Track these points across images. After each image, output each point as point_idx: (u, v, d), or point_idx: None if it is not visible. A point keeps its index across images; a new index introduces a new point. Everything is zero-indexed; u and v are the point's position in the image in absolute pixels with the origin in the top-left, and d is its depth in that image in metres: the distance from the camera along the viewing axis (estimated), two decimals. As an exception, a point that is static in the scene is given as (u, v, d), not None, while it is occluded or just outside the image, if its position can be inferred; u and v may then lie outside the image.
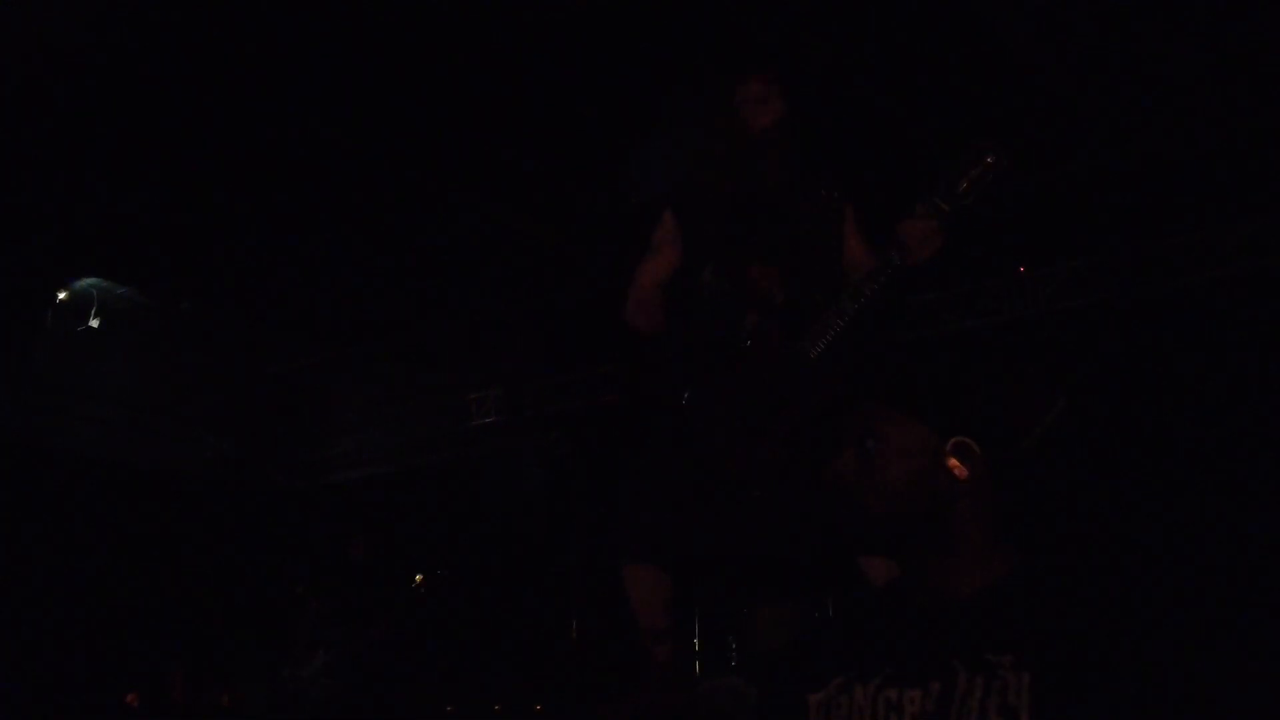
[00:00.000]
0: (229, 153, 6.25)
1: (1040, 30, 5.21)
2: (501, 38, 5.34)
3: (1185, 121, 5.87)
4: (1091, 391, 6.65)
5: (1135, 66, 5.52)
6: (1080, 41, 5.25)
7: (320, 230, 7.25)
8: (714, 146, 3.04)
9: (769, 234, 2.94)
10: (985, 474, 1.52)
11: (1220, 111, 5.87)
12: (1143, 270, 6.68)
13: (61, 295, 7.82)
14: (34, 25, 5.12)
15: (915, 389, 1.57)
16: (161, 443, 9.05)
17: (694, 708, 3.12)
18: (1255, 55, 5.38)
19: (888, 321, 2.95)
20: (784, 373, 2.80)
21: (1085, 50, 5.32)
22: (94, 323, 7.85)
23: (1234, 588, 5.68)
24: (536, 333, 8.66)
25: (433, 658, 8.14)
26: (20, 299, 7.69)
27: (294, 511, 9.50)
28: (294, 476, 9.79)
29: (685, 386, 2.94)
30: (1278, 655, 1.33)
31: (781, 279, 2.88)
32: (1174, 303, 6.56)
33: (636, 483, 3.02)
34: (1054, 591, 1.45)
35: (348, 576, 6.07)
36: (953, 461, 1.50)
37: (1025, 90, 5.59)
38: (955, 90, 5.49)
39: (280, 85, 5.58)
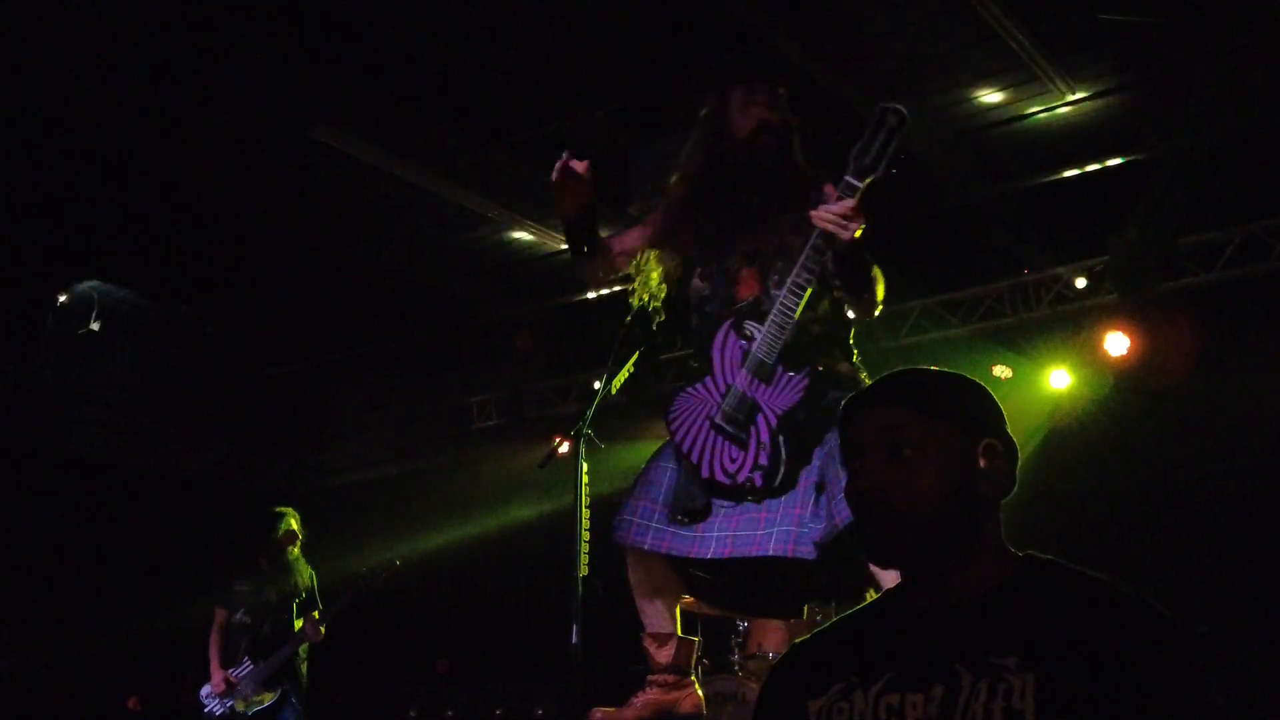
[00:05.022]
0: (230, 156, 6.25)
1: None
2: (505, 40, 5.33)
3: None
4: (1094, 391, 6.65)
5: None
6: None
7: (322, 233, 7.25)
8: (703, 151, 3.15)
9: (753, 236, 3.02)
10: (1008, 475, 1.52)
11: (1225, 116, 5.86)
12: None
13: (62, 298, 7.81)
14: (35, 31, 5.11)
15: (941, 392, 1.55)
16: (163, 446, 9.04)
17: (694, 712, 3.09)
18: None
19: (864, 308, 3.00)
20: (752, 376, 2.90)
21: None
22: (95, 326, 7.83)
23: (1239, 589, 5.65)
24: (539, 336, 8.66)
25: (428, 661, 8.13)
26: (21, 302, 7.68)
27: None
28: (296, 479, 9.78)
29: (674, 396, 3.08)
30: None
31: (762, 280, 2.99)
32: (1169, 303, 6.55)
33: (643, 473, 3.11)
34: (1058, 592, 1.42)
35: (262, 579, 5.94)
36: (983, 463, 1.50)
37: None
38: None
39: (279, 89, 5.57)
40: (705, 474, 2.93)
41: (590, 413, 3.29)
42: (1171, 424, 6.27)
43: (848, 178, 2.69)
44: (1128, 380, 6.50)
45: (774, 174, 3.06)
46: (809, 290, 2.81)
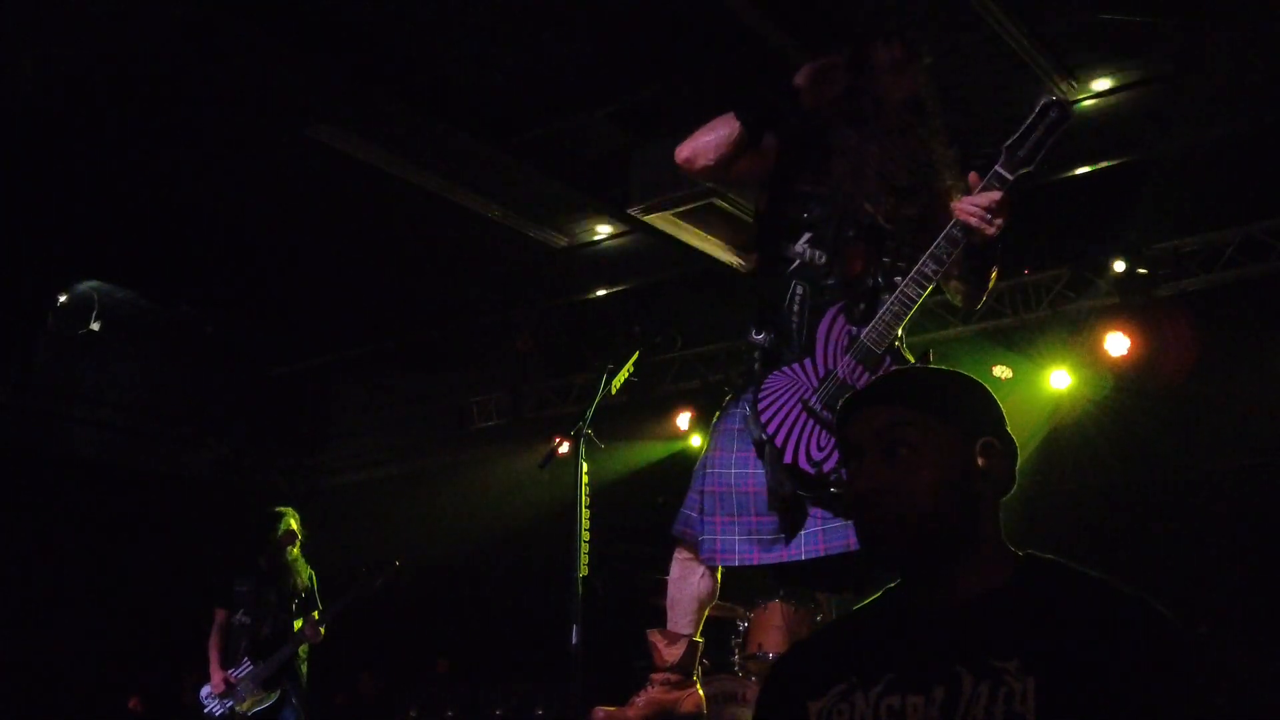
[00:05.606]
0: (230, 156, 6.24)
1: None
2: (505, 40, 5.33)
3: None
4: (1094, 391, 6.64)
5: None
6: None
7: (322, 233, 7.24)
8: (845, 108, 2.92)
9: (878, 211, 2.84)
10: (1007, 473, 1.52)
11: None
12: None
13: (62, 298, 7.80)
14: (36, 33, 5.11)
15: (939, 391, 1.55)
16: (163, 446, 9.03)
17: (695, 712, 3.08)
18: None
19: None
20: (856, 366, 2.74)
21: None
22: (95, 326, 7.82)
23: (1239, 589, 5.64)
24: (539, 336, 8.65)
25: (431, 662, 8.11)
26: (21, 302, 7.67)
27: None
28: (296, 479, 9.77)
29: (759, 380, 2.87)
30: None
31: (869, 259, 2.82)
32: (1169, 303, 6.55)
33: (702, 486, 2.94)
34: (1059, 593, 1.42)
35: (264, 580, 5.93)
36: (982, 462, 1.49)
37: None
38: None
39: (279, 89, 5.55)
40: (788, 459, 2.74)
41: (590, 413, 3.28)
42: (1171, 424, 6.26)
43: (999, 169, 2.56)
44: (1128, 380, 6.49)
45: (915, 153, 2.89)
46: (934, 282, 2.68)
